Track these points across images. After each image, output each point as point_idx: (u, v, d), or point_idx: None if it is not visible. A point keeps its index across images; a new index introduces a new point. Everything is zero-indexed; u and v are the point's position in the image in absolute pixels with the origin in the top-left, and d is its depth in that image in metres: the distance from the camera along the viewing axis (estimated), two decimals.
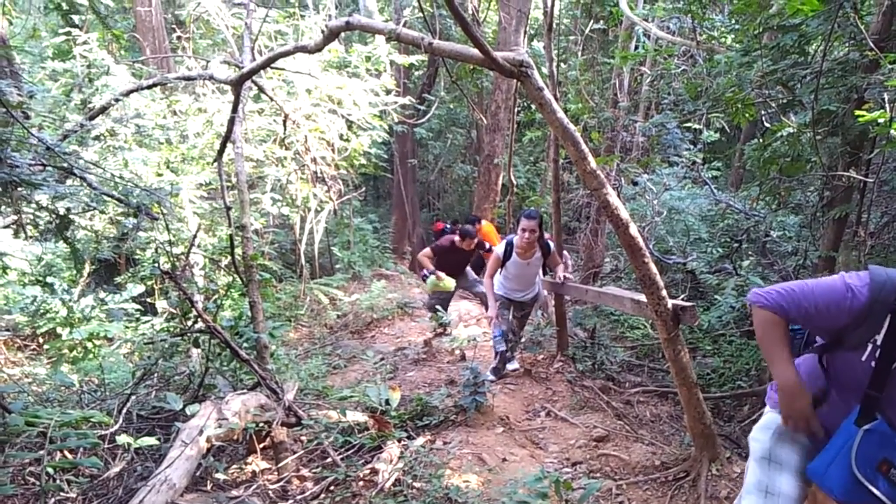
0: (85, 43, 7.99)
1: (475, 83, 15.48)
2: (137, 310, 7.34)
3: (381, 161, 12.34)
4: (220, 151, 5.85)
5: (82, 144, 7.06)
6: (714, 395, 5.77)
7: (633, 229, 3.57)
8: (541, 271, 6.08)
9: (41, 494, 2.85)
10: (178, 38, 10.13)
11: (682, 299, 4.30)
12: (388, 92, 9.47)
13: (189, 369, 4.90)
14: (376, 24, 4.42)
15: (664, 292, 3.61)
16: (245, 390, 4.42)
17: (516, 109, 9.51)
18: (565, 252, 6.55)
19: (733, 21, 6.46)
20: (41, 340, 6.98)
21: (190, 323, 4.73)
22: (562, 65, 13.37)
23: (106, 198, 4.85)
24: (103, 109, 6.81)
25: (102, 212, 6.57)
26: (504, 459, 4.37)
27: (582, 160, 3.52)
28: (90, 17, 11.16)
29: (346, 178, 10.50)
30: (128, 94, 6.93)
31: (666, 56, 8.42)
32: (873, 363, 1.90)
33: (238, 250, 5.40)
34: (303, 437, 4.39)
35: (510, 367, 6.37)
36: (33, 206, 4.81)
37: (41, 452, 2.87)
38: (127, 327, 6.91)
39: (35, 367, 6.26)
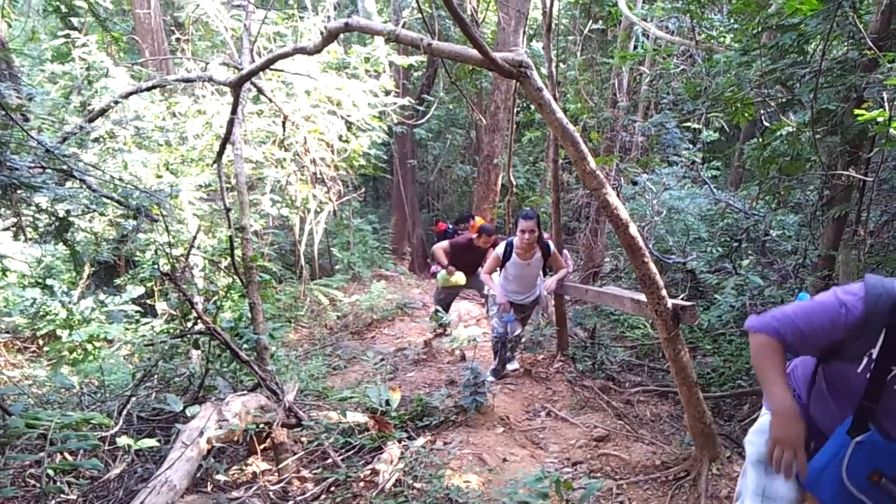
0: (84, 45, 7.99)
1: (474, 84, 15.47)
2: (137, 311, 7.33)
3: (380, 162, 12.35)
4: (220, 153, 5.85)
5: (82, 147, 7.05)
6: (714, 394, 5.76)
7: (633, 229, 3.57)
8: (542, 273, 6.05)
9: (42, 496, 2.85)
10: (178, 40, 10.13)
11: (682, 299, 4.30)
12: (387, 93, 9.47)
13: (189, 371, 4.90)
14: (375, 25, 4.42)
15: (664, 292, 3.61)
16: (245, 391, 4.42)
17: (515, 110, 9.51)
18: (566, 251, 6.54)
19: (732, 20, 6.46)
20: (41, 342, 6.98)
21: (190, 324, 4.73)
22: (561, 65, 13.38)
23: (105, 200, 4.86)
24: (103, 112, 6.81)
25: (102, 214, 6.57)
26: (504, 459, 4.37)
27: (581, 160, 3.52)
28: (89, 20, 11.17)
29: (346, 179, 10.50)
30: (127, 96, 6.93)
31: (665, 56, 8.42)
32: (868, 375, 1.89)
33: (238, 252, 5.40)
34: (303, 438, 4.39)
35: (510, 367, 6.38)
36: (33, 208, 4.81)
37: (41, 454, 2.88)
38: (127, 329, 6.91)
39: (35, 369, 6.26)
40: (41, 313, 6.77)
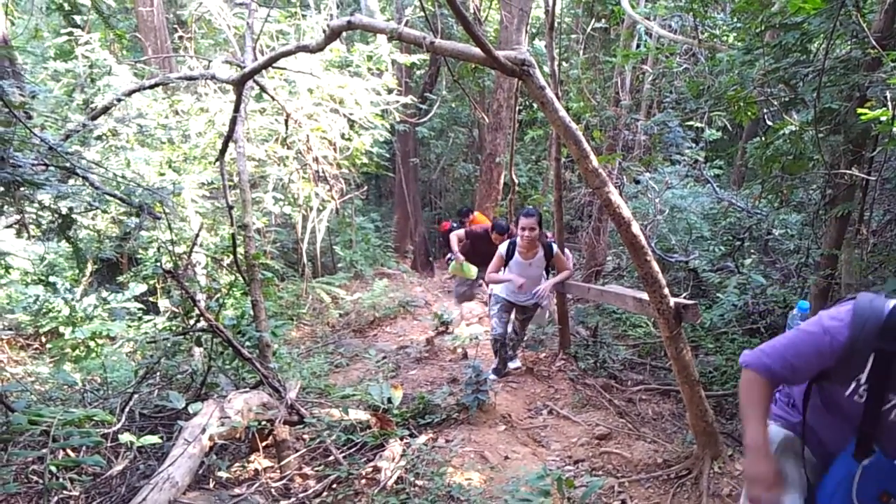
0: (87, 43, 8.00)
1: (477, 82, 15.47)
2: (140, 309, 7.34)
3: (382, 160, 12.33)
4: (222, 151, 5.85)
5: (84, 144, 7.07)
6: (716, 392, 5.76)
7: (636, 228, 3.57)
8: (545, 274, 6.00)
9: (44, 493, 2.85)
10: (180, 37, 10.14)
11: (685, 297, 4.30)
12: (389, 91, 9.46)
13: (191, 368, 4.91)
14: (378, 23, 4.42)
15: (666, 290, 3.61)
16: (247, 389, 4.43)
17: (518, 108, 9.51)
18: (567, 251, 6.53)
19: (735, 19, 6.45)
20: (44, 339, 6.99)
21: (192, 322, 4.74)
22: (563, 63, 13.37)
23: (108, 197, 4.87)
24: (105, 109, 6.82)
25: (105, 211, 6.57)
26: (506, 457, 4.38)
27: (584, 159, 3.52)
28: (92, 18, 11.18)
29: (348, 177, 10.49)
30: (130, 93, 6.93)
31: (668, 54, 8.41)
32: (861, 400, 1.89)
33: (240, 249, 5.41)
34: (305, 436, 4.40)
35: (512, 365, 6.38)
36: (36, 205, 4.82)
37: (44, 451, 2.88)
38: (129, 326, 6.91)
39: (38, 366, 6.27)
40: (44, 310, 6.78)
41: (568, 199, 10.46)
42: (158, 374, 4.88)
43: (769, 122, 6.02)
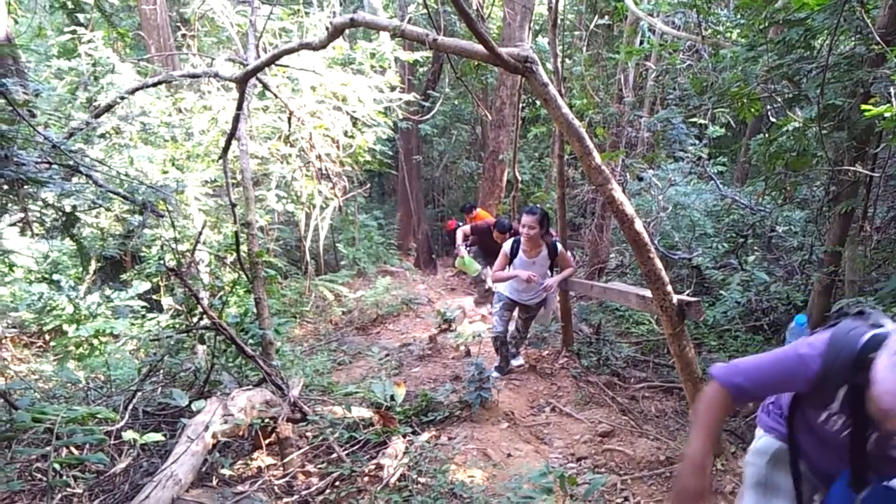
0: (90, 41, 8.01)
1: (480, 79, 15.44)
2: (143, 307, 7.36)
3: (385, 158, 12.33)
4: (226, 149, 5.86)
5: (88, 142, 7.08)
6: None
7: (639, 224, 3.57)
8: (549, 273, 5.98)
9: (48, 490, 2.87)
10: (183, 35, 10.15)
11: (688, 294, 4.30)
12: (392, 88, 9.46)
13: (195, 366, 4.92)
14: (381, 20, 4.42)
15: (669, 287, 3.61)
16: (250, 386, 4.44)
17: (521, 105, 9.48)
18: (568, 252, 6.52)
19: (739, 16, 6.43)
20: (47, 337, 7.02)
21: (195, 319, 4.75)
22: (566, 60, 13.33)
23: (112, 195, 4.87)
24: (109, 107, 6.82)
25: (108, 209, 6.57)
26: (509, 455, 4.38)
27: (587, 156, 3.51)
28: (95, 16, 11.17)
29: (351, 174, 10.50)
30: (133, 91, 6.94)
31: (671, 51, 8.39)
32: (835, 429, 1.88)
33: (243, 247, 5.41)
34: (308, 433, 4.41)
35: (515, 362, 6.38)
36: (39, 203, 4.83)
37: (48, 448, 2.89)
38: (133, 324, 6.93)
39: (41, 364, 6.30)
40: (48, 308, 6.80)
41: (571, 197, 10.44)
42: (162, 371, 4.89)
43: (773, 119, 5.99)
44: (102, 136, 7.36)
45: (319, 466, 4.01)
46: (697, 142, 8.64)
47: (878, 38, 3.97)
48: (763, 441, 2.32)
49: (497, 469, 4.12)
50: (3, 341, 6.66)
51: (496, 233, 7.19)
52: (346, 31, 5.32)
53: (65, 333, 6.65)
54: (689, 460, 1.96)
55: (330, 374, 6.59)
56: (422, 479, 3.84)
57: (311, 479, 3.86)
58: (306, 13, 9.25)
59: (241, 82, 5.41)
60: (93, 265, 7.65)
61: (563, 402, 5.52)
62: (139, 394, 4.30)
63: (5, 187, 3.96)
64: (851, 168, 4.53)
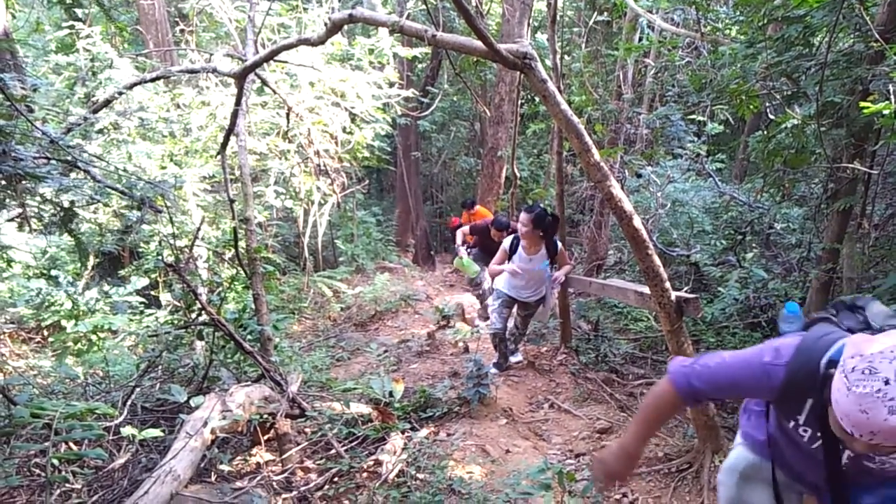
0: (88, 36, 7.99)
1: (479, 75, 15.42)
2: (141, 302, 7.35)
3: (384, 154, 12.33)
4: (224, 144, 5.85)
5: (86, 138, 7.07)
6: None
7: (637, 221, 3.57)
8: (549, 270, 5.98)
9: (46, 486, 2.86)
10: (182, 31, 10.11)
11: (686, 291, 4.30)
12: (391, 84, 9.45)
13: (193, 361, 4.92)
14: (379, 16, 4.42)
15: (668, 284, 3.61)
16: (249, 382, 4.43)
17: (520, 102, 9.48)
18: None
19: (738, 12, 6.42)
20: (46, 333, 7.01)
21: (194, 315, 4.75)
22: (565, 57, 13.34)
23: (110, 191, 4.87)
24: (107, 103, 6.82)
25: (106, 205, 6.59)
26: (507, 451, 4.39)
27: (586, 152, 3.51)
28: (93, 11, 11.15)
29: (350, 170, 10.49)
30: (131, 87, 6.94)
31: (670, 48, 8.38)
32: (805, 438, 1.80)
33: (242, 243, 5.41)
34: (307, 429, 4.41)
35: (513, 359, 6.38)
36: (38, 198, 4.83)
37: (46, 444, 2.89)
38: (131, 320, 6.92)
39: (40, 360, 6.29)
40: (46, 304, 6.79)
41: (570, 193, 10.45)
42: (160, 367, 4.89)
43: (771, 116, 5.99)
44: (100, 131, 7.35)
45: (318, 462, 4.02)
46: (696, 139, 8.65)
47: (876, 36, 3.97)
48: (733, 456, 2.27)
49: (495, 465, 4.13)
50: (2, 337, 6.65)
51: (494, 230, 7.17)
52: (345, 27, 5.32)
53: (63, 329, 6.64)
54: (622, 449, 2.00)
55: (328, 371, 6.59)
56: (420, 475, 3.84)
57: (309, 475, 3.87)
58: (305, 9, 9.23)
59: (240, 78, 5.40)
60: (91, 261, 7.64)
61: (561, 398, 5.52)
62: (138, 389, 4.30)
63: (3, 183, 3.96)
64: (850, 165, 4.53)
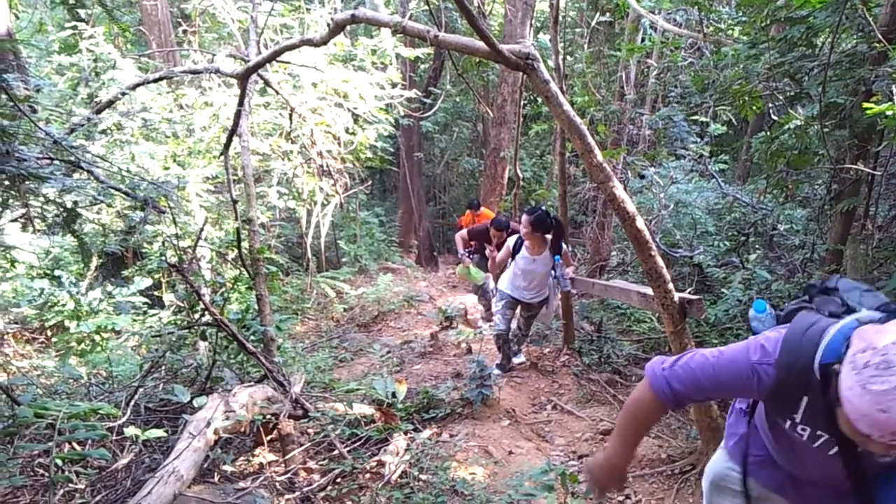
0: (91, 37, 8.00)
1: (481, 76, 15.44)
2: (145, 303, 7.36)
3: (387, 154, 12.33)
4: (227, 145, 5.86)
5: (89, 138, 7.07)
6: None
7: (640, 222, 3.56)
8: (552, 271, 5.97)
9: (50, 486, 2.87)
10: (184, 31, 10.13)
11: (689, 292, 4.30)
12: (393, 85, 9.45)
13: (196, 362, 4.92)
14: (382, 16, 4.42)
15: (671, 285, 3.61)
16: (252, 383, 4.44)
17: (522, 102, 9.48)
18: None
19: (740, 13, 6.42)
20: (49, 333, 7.02)
21: (197, 316, 4.75)
22: (568, 57, 13.32)
23: (113, 191, 4.87)
24: (110, 103, 6.83)
25: (110, 205, 6.58)
26: (510, 452, 4.39)
27: (588, 153, 3.51)
28: (96, 11, 11.19)
29: (353, 171, 10.49)
30: (134, 87, 6.95)
31: (673, 48, 8.38)
32: (804, 437, 1.65)
33: (245, 244, 5.42)
34: (310, 430, 4.41)
35: (516, 360, 6.38)
36: (41, 199, 4.83)
37: (50, 444, 2.89)
38: (134, 320, 6.93)
39: (43, 360, 6.30)
40: (49, 304, 6.80)
41: (572, 194, 10.45)
42: (163, 367, 4.90)
43: (774, 117, 5.98)
44: (104, 132, 7.36)
45: (321, 463, 4.02)
46: (699, 140, 8.64)
47: (879, 36, 3.96)
48: (712, 460, 2.18)
49: (498, 466, 4.13)
50: (5, 337, 6.66)
51: (493, 230, 7.12)
52: (348, 28, 5.32)
53: (66, 329, 6.65)
54: (608, 461, 1.89)
55: (331, 371, 6.60)
56: (423, 476, 3.84)
57: (312, 476, 3.87)
58: (307, 9, 9.24)
59: (243, 79, 5.41)
60: (94, 261, 7.65)
61: (564, 399, 5.52)
62: (141, 390, 4.31)
63: (7, 183, 3.97)
64: (853, 166, 4.53)
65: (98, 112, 6.72)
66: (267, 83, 7.05)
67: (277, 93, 7.16)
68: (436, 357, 7.17)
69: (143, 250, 8.11)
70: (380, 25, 4.63)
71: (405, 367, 6.83)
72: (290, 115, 7.66)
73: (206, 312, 4.46)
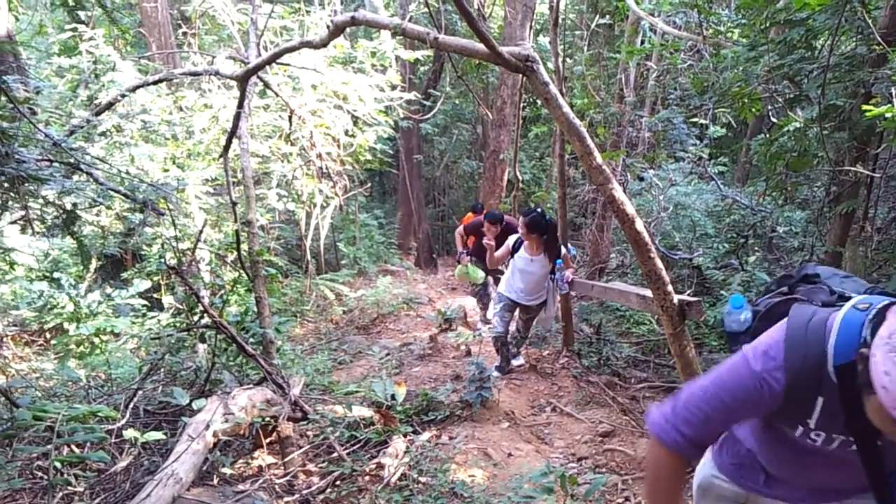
0: (91, 39, 8.00)
1: (481, 78, 15.45)
2: (144, 305, 7.35)
3: (386, 157, 12.33)
4: (226, 147, 5.86)
5: (89, 140, 7.07)
6: None
7: (639, 224, 3.56)
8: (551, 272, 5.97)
9: (49, 488, 2.87)
10: (184, 33, 10.16)
11: (689, 294, 4.29)
12: (393, 87, 9.45)
13: (195, 364, 4.92)
14: (382, 19, 4.43)
15: (670, 287, 3.60)
16: (251, 385, 4.43)
17: (522, 105, 9.49)
18: (570, 246, 6.47)
19: (740, 16, 6.43)
20: (48, 336, 7.02)
21: (196, 318, 4.75)
22: (567, 60, 13.33)
23: (112, 193, 4.87)
24: (109, 105, 6.83)
25: (109, 207, 6.57)
26: (509, 454, 4.38)
27: (588, 155, 3.51)
28: (96, 13, 11.18)
29: (352, 173, 10.49)
30: (134, 89, 6.95)
31: (672, 51, 8.38)
32: (818, 442, 1.53)
33: (244, 246, 5.41)
34: (309, 432, 4.41)
35: (516, 362, 6.38)
36: (40, 201, 4.82)
37: (49, 447, 2.89)
38: (133, 323, 6.93)
39: (42, 363, 6.30)
40: (48, 307, 6.79)
41: (572, 196, 10.43)
42: (162, 370, 4.90)
43: (773, 119, 5.99)
44: (103, 133, 7.35)
45: (320, 465, 4.02)
46: (698, 142, 8.64)
47: (879, 39, 3.97)
48: (699, 466, 2.06)
49: (498, 469, 4.12)
50: (4, 339, 6.66)
51: (487, 224, 7.05)
52: (347, 30, 5.33)
53: (65, 332, 6.65)
54: None
55: (330, 374, 6.59)
56: (422, 479, 3.84)
57: (311, 478, 3.87)
58: (307, 11, 9.25)
59: (242, 80, 5.41)
60: (93, 263, 7.65)
61: (563, 401, 5.52)
62: (140, 392, 4.31)
63: (6, 185, 3.96)
64: (852, 168, 4.53)
65: (98, 114, 6.72)
66: (267, 85, 7.05)
67: (277, 95, 7.16)
68: (435, 359, 7.16)
69: (143, 252, 8.10)
70: (379, 27, 4.64)
71: (404, 369, 6.83)
72: (290, 118, 7.66)
73: (206, 315, 4.46)
